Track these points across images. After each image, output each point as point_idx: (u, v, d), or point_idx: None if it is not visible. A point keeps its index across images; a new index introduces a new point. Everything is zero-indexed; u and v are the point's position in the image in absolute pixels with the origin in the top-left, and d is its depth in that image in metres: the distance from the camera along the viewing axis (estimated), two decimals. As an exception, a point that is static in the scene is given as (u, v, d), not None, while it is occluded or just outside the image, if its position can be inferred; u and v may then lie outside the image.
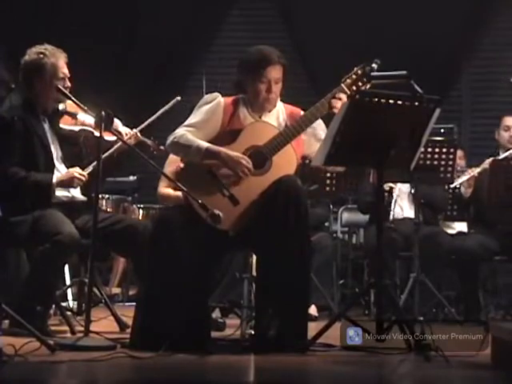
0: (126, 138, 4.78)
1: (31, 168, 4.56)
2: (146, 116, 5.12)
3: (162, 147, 4.91)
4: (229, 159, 4.09)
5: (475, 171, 6.15)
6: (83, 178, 4.60)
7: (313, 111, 4.17)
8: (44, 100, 4.67)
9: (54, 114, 4.72)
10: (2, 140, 4.56)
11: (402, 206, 6.45)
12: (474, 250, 5.88)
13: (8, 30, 8.18)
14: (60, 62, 4.65)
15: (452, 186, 6.19)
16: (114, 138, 4.64)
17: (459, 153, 6.40)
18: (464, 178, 6.10)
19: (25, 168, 4.55)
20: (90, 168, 4.63)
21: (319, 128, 4.26)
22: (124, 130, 4.87)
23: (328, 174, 5.80)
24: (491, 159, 6.02)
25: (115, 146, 4.77)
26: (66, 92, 4.58)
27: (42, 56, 4.63)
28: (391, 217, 6.21)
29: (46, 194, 4.56)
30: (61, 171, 4.67)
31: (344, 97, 4.14)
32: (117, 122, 4.68)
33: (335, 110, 4.09)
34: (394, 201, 6.33)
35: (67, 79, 4.66)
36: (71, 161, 4.72)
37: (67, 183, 4.61)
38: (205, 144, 4.12)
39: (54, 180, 4.58)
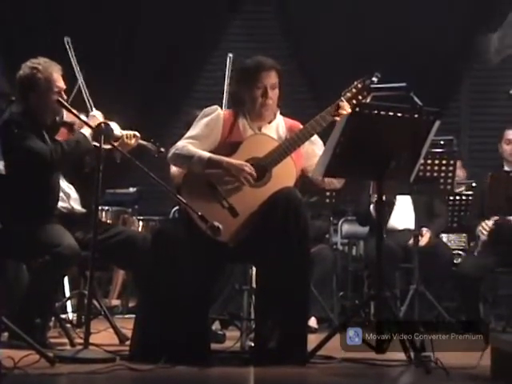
0: (126, 139, 4.69)
1: (39, 177, 4.53)
2: (144, 123, 5.08)
3: (162, 149, 4.88)
4: (231, 167, 4.10)
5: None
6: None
7: (312, 124, 4.17)
8: (41, 113, 4.59)
9: (51, 126, 4.63)
10: (11, 137, 4.47)
11: (402, 215, 6.44)
12: (472, 273, 5.83)
13: (8, 41, 8.21)
14: (54, 75, 4.55)
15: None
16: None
17: (458, 164, 6.40)
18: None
19: (32, 177, 4.50)
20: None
21: (318, 145, 4.27)
22: (125, 132, 4.72)
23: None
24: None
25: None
26: (66, 104, 4.54)
27: (35, 71, 4.53)
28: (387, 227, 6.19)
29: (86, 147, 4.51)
30: (61, 184, 4.66)
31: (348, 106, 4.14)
32: (114, 127, 4.63)
33: (337, 118, 4.10)
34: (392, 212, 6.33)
35: (63, 92, 4.58)
36: (71, 171, 4.71)
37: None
38: (207, 154, 4.13)
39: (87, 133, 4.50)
